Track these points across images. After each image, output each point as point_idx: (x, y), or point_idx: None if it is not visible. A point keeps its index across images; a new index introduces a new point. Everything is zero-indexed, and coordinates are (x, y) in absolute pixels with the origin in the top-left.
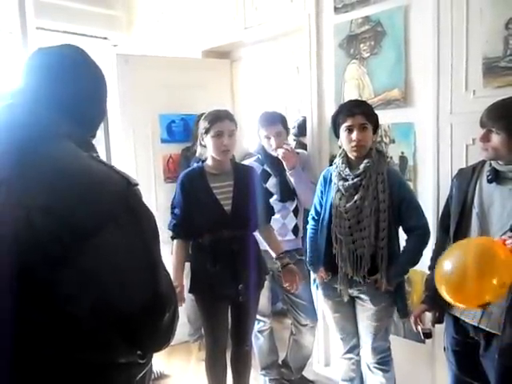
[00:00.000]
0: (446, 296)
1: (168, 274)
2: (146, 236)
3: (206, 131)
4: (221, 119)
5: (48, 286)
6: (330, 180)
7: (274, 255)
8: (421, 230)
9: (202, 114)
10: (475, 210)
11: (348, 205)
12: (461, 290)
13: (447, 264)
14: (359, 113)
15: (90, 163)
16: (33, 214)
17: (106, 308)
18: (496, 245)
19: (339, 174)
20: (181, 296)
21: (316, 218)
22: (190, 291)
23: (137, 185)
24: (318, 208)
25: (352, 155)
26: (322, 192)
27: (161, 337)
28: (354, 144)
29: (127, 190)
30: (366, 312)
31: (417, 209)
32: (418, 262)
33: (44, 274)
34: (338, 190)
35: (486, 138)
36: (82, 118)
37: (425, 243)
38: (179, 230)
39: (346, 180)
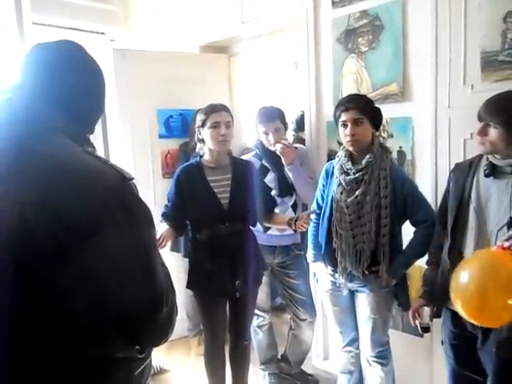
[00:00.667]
0: (462, 312)
1: (166, 269)
2: (142, 231)
3: (203, 123)
4: (217, 110)
5: (44, 281)
6: (332, 173)
7: (287, 226)
8: (429, 223)
9: (199, 110)
10: (472, 205)
11: (349, 199)
12: (477, 310)
13: (463, 280)
14: (353, 107)
15: (85, 158)
16: (28, 209)
17: (103, 303)
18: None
19: (341, 167)
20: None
21: (318, 211)
22: (189, 286)
23: (132, 179)
24: (320, 201)
25: (350, 150)
26: (323, 185)
27: (159, 332)
28: (348, 139)
29: (122, 184)
30: (364, 305)
31: (423, 202)
32: (424, 255)
33: (40, 269)
34: (340, 184)
35: (483, 132)
36: (79, 114)
37: (431, 235)
38: (166, 219)
39: (348, 174)
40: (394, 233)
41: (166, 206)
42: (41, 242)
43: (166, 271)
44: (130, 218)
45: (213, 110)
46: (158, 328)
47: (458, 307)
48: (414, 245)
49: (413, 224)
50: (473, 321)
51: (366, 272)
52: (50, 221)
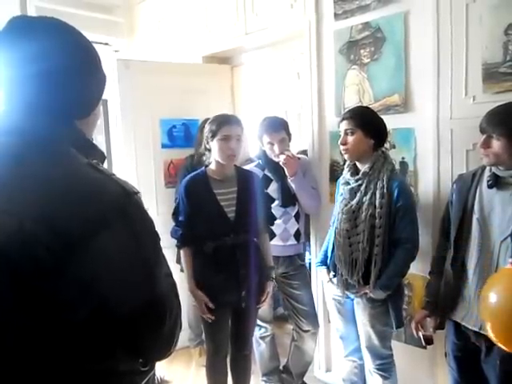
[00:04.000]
0: (491, 335)
1: (173, 282)
2: (143, 242)
3: (213, 134)
4: (229, 123)
5: (42, 293)
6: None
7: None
8: (410, 244)
9: (207, 120)
10: (475, 216)
11: (345, 208)
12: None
13: (493, 299)
14: (345, 118)
15: (87, 171)
16: (26, 222)
17: (104, 315)
18: None
19: (344, 178)
20: (202, 308)
21: (331, 223)
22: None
23: (135, 193)
24: (335, 213)
25: (345, 158)
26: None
27: (162, 344)
28: (340, 148)
29: (124, 198)
30: (361, 316)
31: (412, 222)
32: (405, 275)
33: (36, 282)
34: (341, 194)
35: (486, 144)
36: (76, 95)
37: (413, 257)
38: (186, 238)
39: (348, 184)
40: (387, 243)
41: (180, 221)
42: (38, 256)
43: (171, 282)
44: (131, 230)
45: (225, 122)
46: (161, 341)
47: (489, 330)
48: (395, 266)
49: (394, 241)
50: (503, 346)
51: (361, 282)
52: (43, 233)
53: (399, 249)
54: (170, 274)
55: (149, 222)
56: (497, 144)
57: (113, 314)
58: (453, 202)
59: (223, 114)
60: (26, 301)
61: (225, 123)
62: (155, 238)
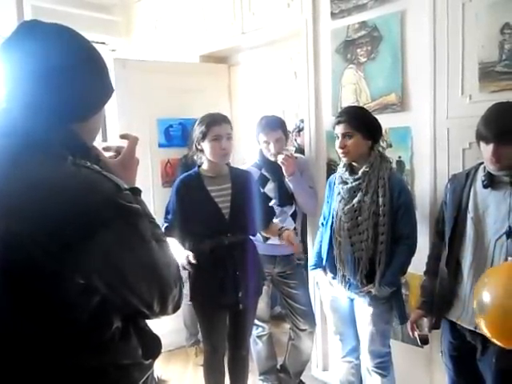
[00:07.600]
0: (487, 332)
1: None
2: (142, 233)
3: (204, 136)
4: (218, 123)
5: (41, 294)
6: (335, 184)
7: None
8: (411, 240)
9: (198, 120)
10: (470, 215)
11: (346, 207)
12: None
13: (486, 296)
14: (343, 121)
15: (74, 171)
16: (9, 224)
17: (106, 310)
18: None
19: (340, 177)
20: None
21: (324, 223)
22: (190, 299)
23: (127, 189)
24: (326, 213)
25: (344, 160)
26: (327, 197)
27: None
28: (339, 151)
29: (117, 192)
30: (363, 315)
31: (412, 219)
32: (406, 272)
33: (34, 283)
34: (339, 194)
35: (496, 154)
36: (77, 97)
37: (413, 254)
38: (170, 233)
39: (346, 183)
40: (391, 240)
41: (167, 218)
42: (34, 257)
43: (172, 264)
44: (128, 223)
45: (214, 122)
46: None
47: (483, 327)
48: (398, 263)
49: (395, 238)
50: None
51: (364, 281)
52: (42, 236)
53: (401, 245)
54: (162, 241)
55: (141, 213)
56: (505, 151)
57: (117, 309)
58: (447, 202)
59: (210, 113)
60: (24, 301)
61: (214, 123)
62: (150, 226)
